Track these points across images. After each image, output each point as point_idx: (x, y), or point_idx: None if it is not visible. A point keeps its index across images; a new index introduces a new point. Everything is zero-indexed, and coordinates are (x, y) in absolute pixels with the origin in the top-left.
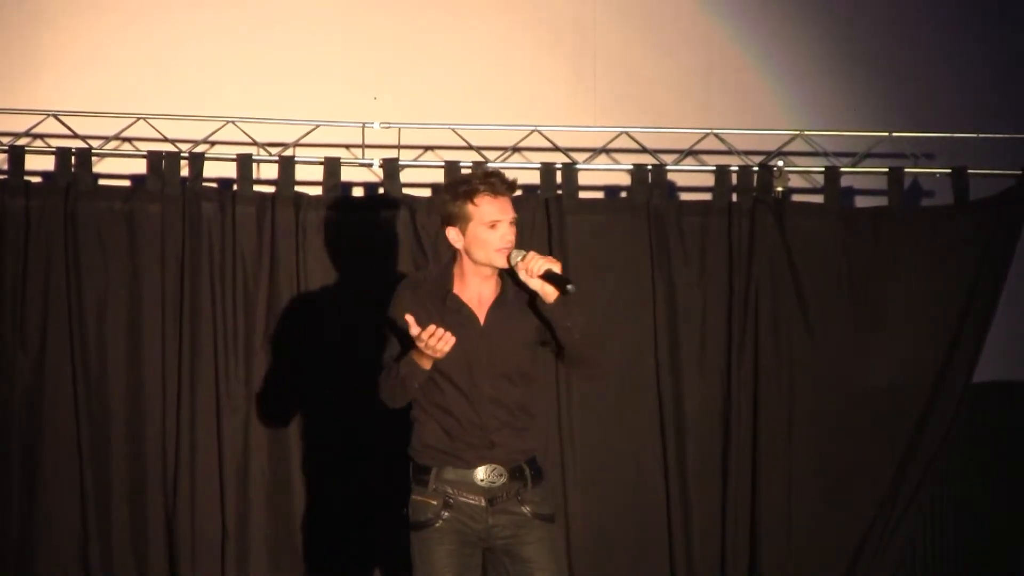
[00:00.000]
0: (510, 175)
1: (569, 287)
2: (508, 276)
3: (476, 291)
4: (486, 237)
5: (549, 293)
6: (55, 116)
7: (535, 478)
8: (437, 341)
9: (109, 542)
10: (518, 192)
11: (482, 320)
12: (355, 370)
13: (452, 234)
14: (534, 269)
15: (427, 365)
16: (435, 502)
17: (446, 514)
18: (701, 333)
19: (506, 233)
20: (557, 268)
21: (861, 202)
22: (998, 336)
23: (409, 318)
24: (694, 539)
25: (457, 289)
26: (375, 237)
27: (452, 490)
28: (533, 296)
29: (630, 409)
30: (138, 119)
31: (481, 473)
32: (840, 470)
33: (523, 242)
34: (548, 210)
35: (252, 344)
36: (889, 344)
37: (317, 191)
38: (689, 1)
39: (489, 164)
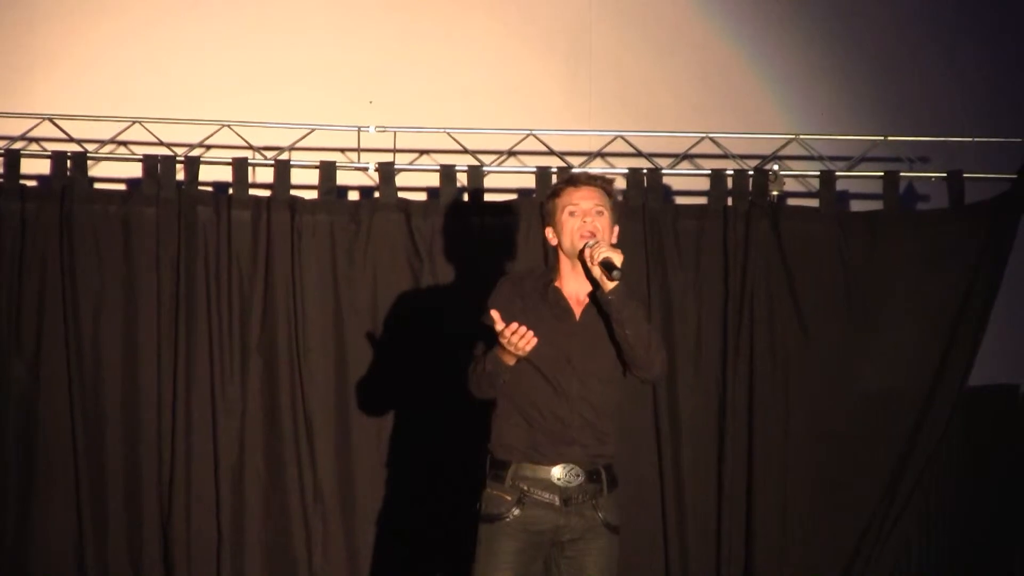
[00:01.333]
0: (510, 179)
1: (615, 272)
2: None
3: (576, 288)
4: (568, 224)
5: (607, 282)
6: (51, 120)
7: (610, 485)
8: (519, 339)
9: (105, 545)
10: (594, 187)
11: (577, 315)
12: (349, 375)
13: (548, 233)
14: (596, 256)
15: (510, 361)
16: (509, 497)
17: (517, 511)
18: (696, 336)
19: (588, 219)
20: (618, 259)
21: (856, 206)
22: (994, 339)
23: (494, 314)
24: (689, 540)
25: (558, 284)
26: (371, 241)
27: (527, 487)
28: (595, 286)
29: (626, 411)
30: (134, 123)
31: (558, 472)
32: (836, 472)
33: (520, 245)
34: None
35: (247, 347)
36: (884, 347)
37: (313, 195)
38: (684, 5)
39: (485, 168)
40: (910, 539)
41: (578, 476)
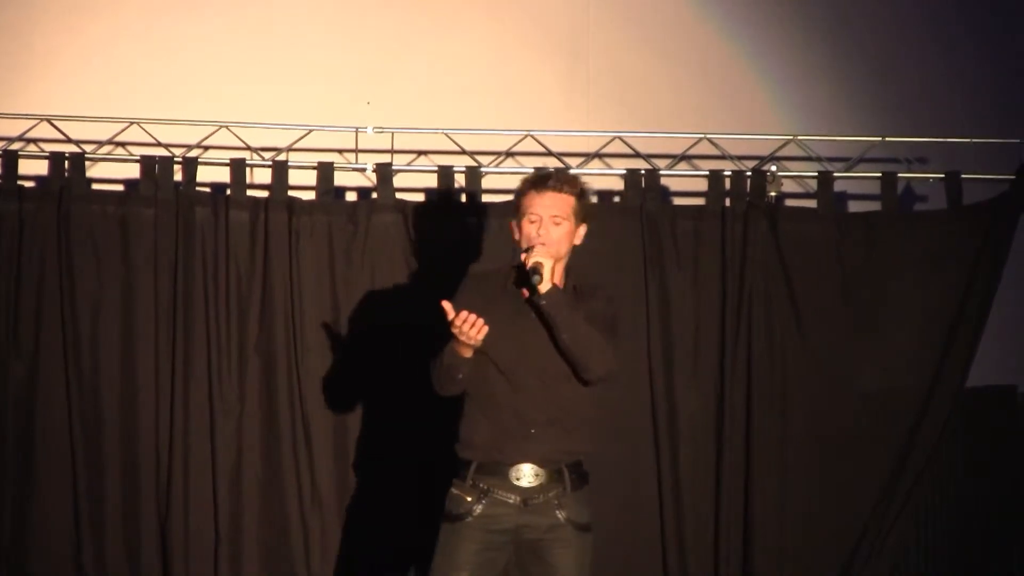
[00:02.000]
0: (508, 179)
1: (535, 278)
2: (572, 274)
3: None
4: (527, 231)
5: (539, 287)
6: (48, 120)
7: (576, 483)
8: (470, 327)
9: (103, 545)
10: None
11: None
12: (346, 374)
13: (514, 229)
14: (528, 262)
15: (466, 353)
16: (470, 498)
17: (477, 510)
18: (694, 336)
19: (542, 232)
20: (547, 264)
21: (854, 207)
22: (993, 339)
23: (445, 304)
24: (687, 541)
25: None
26: (369, 242)
27: (487, 486)
28: (531, 291)
29: (623, 412)
30: (132, 123)
31: (517, 471)
32: (834, 473)
33: (515, 246)
34: None
35: (245, 348)
36: (883, 348)
37: (310, 196)
38: (683, 5)
39: (482, 168)
40: (909, 539)
41: (538, 476)
